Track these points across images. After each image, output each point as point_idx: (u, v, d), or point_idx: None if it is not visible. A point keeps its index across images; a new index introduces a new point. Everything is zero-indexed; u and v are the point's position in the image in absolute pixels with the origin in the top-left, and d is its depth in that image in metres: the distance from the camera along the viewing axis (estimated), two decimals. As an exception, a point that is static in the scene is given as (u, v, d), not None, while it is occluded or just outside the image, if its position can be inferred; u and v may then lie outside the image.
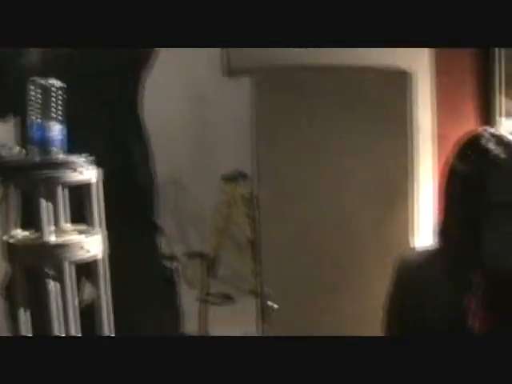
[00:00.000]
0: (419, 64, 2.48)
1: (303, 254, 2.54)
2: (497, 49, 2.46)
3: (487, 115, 2.53)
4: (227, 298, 4.30)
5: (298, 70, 2.48)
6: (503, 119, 2.47)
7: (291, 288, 2.49)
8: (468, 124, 2.51)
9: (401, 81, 2.46)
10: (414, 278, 1.85)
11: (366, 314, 2.52)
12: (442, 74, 2.52)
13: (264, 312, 2.35)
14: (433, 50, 2.45)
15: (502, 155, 1.56)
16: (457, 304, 1.72)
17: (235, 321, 3.60)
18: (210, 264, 4.36)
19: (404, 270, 1.86)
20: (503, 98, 2.51)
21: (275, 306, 2.34)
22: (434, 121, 2.52)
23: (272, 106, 2.57)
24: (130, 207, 2.60)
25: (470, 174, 1.61)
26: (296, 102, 2.55)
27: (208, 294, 4.06)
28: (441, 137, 2.50)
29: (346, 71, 2.48)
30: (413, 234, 2.48)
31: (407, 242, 2.46)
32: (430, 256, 1.84)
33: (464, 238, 1.65)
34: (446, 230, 1.72)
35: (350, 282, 2.54)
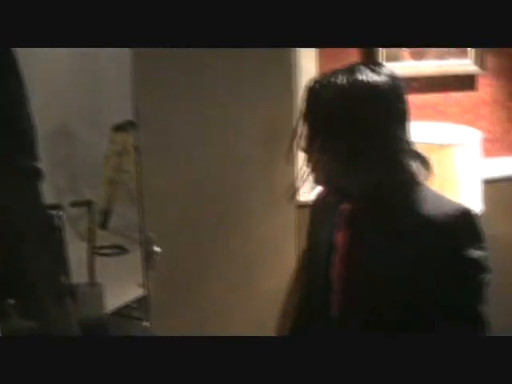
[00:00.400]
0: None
1: (190, 201, 2.53)
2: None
3: (370, 58, 2.60)
4: (119, 249, 4.26)
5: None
6: (384, 62, 2.52)
7: (176, 233, 2.48)
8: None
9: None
10: (311, 218, 1.95)
11: (249, 257, 2.56)
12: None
13: (147, 257, 2.34)
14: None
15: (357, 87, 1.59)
16: (330, 239, 1.77)
17: (124, 270, 3.58)
18: (101, 215, 4.30)
19: (310, 211, 1.95)
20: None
21: (159, 250, 2.33)
22: (317, 66, 2.55)
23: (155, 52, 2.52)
24: (5, 151, 2.48)
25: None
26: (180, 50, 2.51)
27: (98, 246, 4.00)
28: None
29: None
30: (298, 180, 2.50)
31: (295, 187, 2.49)
32: (318, 196, 1.90)
33: (332, 173, 1.69)
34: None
35: (235, 227, 2.56)
